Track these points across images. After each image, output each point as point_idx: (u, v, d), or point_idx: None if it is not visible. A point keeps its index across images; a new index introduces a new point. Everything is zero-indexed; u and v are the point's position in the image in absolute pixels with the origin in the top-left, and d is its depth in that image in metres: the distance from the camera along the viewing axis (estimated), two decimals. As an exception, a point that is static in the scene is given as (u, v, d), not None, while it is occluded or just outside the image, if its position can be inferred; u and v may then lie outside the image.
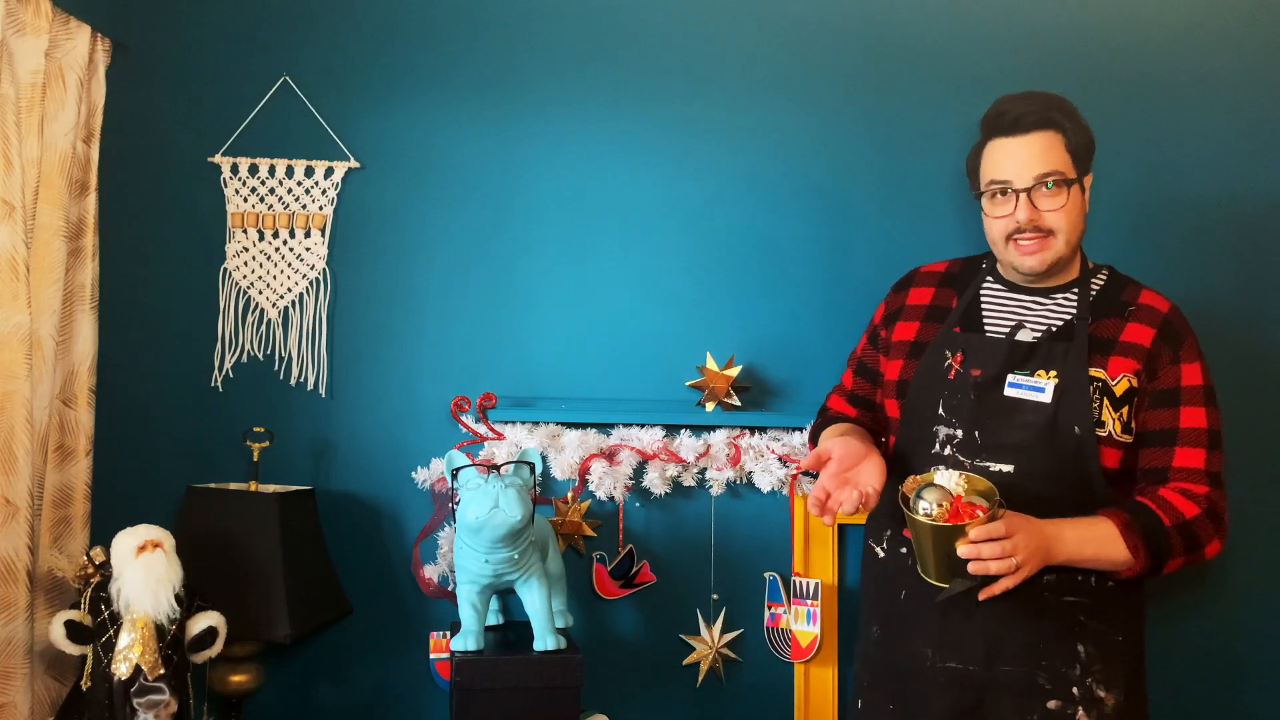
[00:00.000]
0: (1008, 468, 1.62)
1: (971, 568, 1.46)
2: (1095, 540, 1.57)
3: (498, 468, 1.88)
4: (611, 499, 2.22)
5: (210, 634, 1.87)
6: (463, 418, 2.22)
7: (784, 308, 2.33)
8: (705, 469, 2.26)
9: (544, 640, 1.87)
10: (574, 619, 2.20)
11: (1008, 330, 1.70)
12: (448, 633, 2.15)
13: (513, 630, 2.07)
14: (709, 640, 2.24)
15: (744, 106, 2.35)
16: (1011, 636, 1.61)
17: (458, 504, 1.84)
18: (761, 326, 2.32)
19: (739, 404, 2.25)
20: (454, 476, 1.91)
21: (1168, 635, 2.27)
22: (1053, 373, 1.63)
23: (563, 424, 2.24)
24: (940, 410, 1.69)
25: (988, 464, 1.63)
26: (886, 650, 1.73)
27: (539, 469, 2.06)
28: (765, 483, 2.22)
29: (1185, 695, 2.27)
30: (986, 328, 1.72)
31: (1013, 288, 1.75)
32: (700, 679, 2.25)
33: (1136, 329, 1.66)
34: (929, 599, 1.62)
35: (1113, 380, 1.63)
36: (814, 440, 1.91)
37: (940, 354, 1.72)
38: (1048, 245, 1.65)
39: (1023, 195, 1.63)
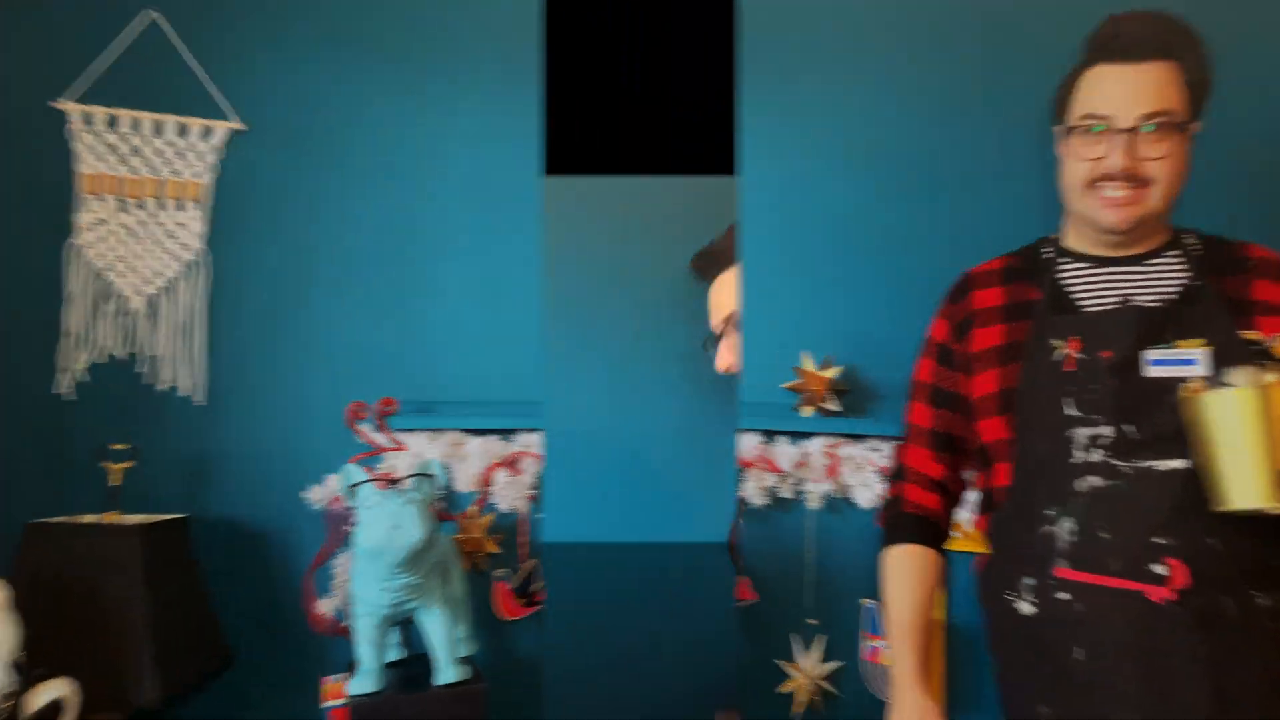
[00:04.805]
0: (1180, 464, 1.41)
1: None
2: None
3: (397, 482, 1.82)
4: (514, 510, 2.14)
5: (54, 709, 1.67)
6: (359, 426, 2.09)
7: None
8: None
9: (446, 673, 1.85)
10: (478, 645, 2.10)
11: (1114, 305, 1.53)
12: (345, 674, 2.01)
13: (417, 664, 1.99)
14: (805, 670, 2.14)
15: (848, 78, 2.18)
16: (1242, 679, 1.37)
17: (355, 526, 1.78)
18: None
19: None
20: (352, 494, 1.82)
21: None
22: (1197, 340, 1.45)
23: (466, 431, 2.14)
24: (1072, 410, 1.47)
25: (1151, 463, 1.42)
26: None
27: (441, 481, 1.97)
28: (864, 498, 2.11)
29: None
30: (1085, 310, 1.53)
31: (1099, 261, 1.56)
32: (801, 711, 2.13)
33: (1266, 286, 1.50)
34: (1121, 650, 1.39)
35: (1268, 340, 1.45)
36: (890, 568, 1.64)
37: (1045, 346, 1.50)
38: (1140, 199, 1.48)
39: (1122, 137, 1.46)
